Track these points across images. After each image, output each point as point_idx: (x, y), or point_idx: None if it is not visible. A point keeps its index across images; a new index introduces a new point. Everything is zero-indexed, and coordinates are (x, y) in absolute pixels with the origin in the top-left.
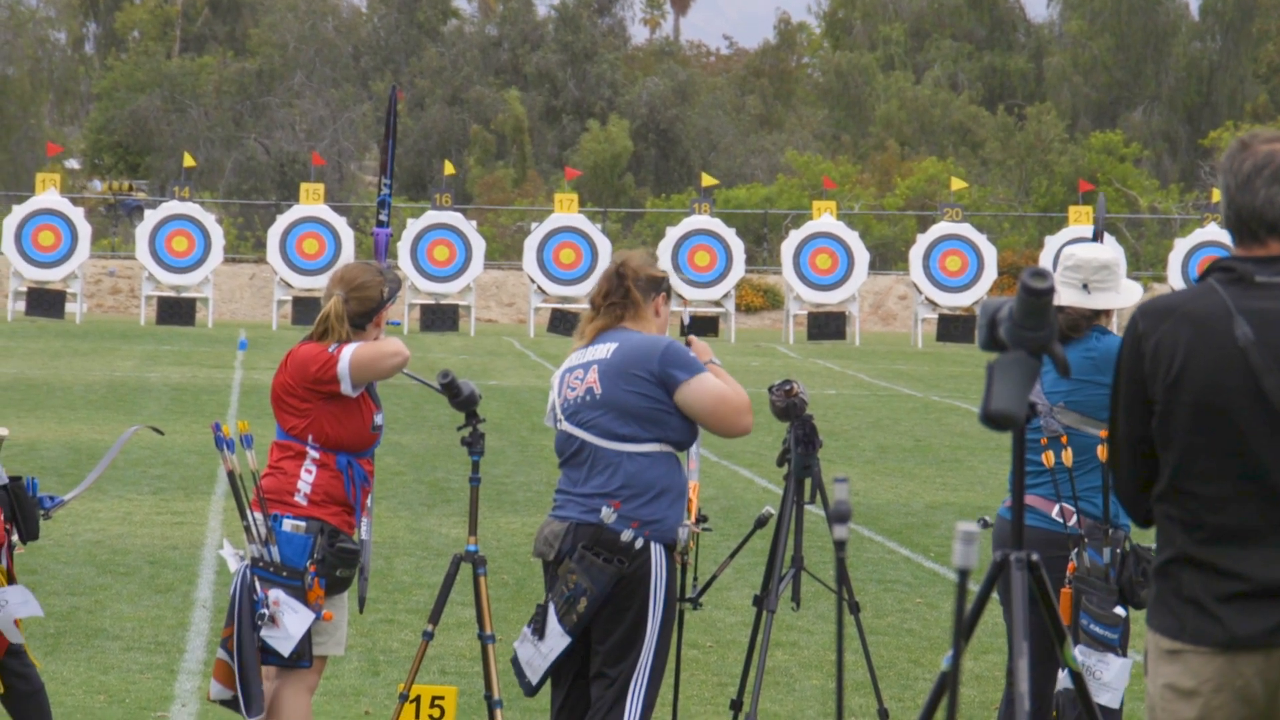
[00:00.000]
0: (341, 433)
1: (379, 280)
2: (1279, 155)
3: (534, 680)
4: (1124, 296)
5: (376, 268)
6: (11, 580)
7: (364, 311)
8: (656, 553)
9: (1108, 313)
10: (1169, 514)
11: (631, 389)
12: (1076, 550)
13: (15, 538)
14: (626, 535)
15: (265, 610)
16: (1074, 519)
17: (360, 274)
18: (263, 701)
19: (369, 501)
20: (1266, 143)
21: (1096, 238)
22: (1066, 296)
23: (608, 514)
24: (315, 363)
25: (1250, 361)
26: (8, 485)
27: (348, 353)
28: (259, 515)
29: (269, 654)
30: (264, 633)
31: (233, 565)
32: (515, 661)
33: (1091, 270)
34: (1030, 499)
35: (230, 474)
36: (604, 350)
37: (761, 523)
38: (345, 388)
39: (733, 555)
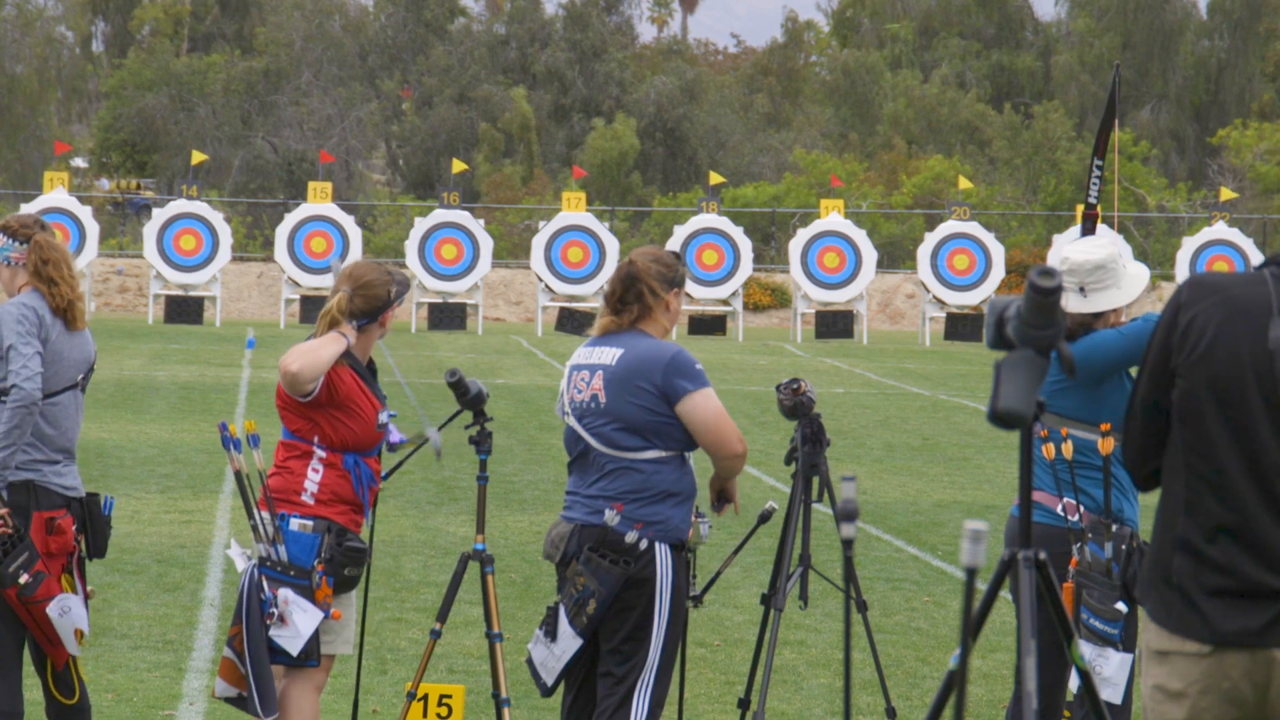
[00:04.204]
0: (346, 434)
1: (387, 279)
2: None
3: (549, 681)
4: (1125, 292)
5: (385, 268)
6: (84, 592)
7: (370, 310)
8: (662, 553)
9: (1116, 312)
10: (1174, 490)
11: (635, 401)
12: (1079, 545)
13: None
14: (630, 537)
15: (274, 609)
16: (1076, 514)
17: (368, 272)
18: (275, 701)
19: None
20: None
21: (1086, 230)
22: (1064, 303)
23: (610, 516)
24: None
25: (1275, 365)
26: (84, 499)
27: (286, 359)
28: (266, 514)
29: (277, 653)
30: (273, 632)
31: (240, 565)
32: (530, 663)
33: (1086, 272)
34: (1035, 495)
35: (237, 473)
36: (610, 355)
37: (765, 518)
38: (310, 389)
39: (736, 551)
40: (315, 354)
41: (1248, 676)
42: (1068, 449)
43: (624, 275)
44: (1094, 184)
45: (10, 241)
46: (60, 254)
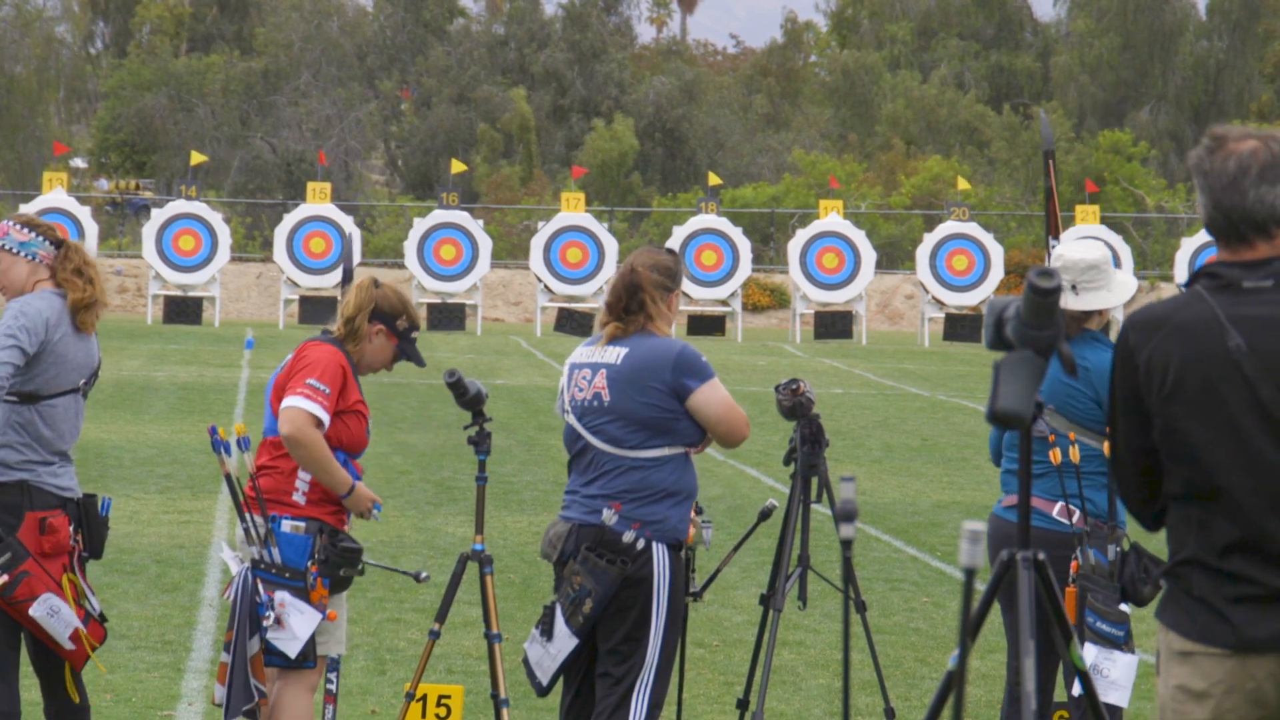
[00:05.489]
0: (344, 433)
1: (409, 307)
2: (1261, 153)
3: (544, 681)
4: (1115, 295)
5: (413, 307)
6: (89, 589)
7: (376, 309)
8: (659, 553)
9: (1100, 313)
10: (1185, 516)
11: (644, 399)
12: (1080, 548)
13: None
14: (628, 536)
15: (271, 612)
16: (1076, 517)
17: (400, 290)
18: (242, 705)
19: None
20: (1241, 140)
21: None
22: None
23: (608, 516)
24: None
25: (1245, 372)
26: (80, 500)
27: (287, 412)
28: (258, 517)
29: (273, 655)
30: (270, 634)
31: (234, 568)
32: (526, 662)
33: (1079, 271)
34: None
35: (228, 477)
36: (613, 354)
37: (765, 515)
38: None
39: (735, 549)
40: (322, 460)
41: (1272, 677)
42: (1074, 453)
43: (627, 285)
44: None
45: (39, 238)
46: (92, 263)
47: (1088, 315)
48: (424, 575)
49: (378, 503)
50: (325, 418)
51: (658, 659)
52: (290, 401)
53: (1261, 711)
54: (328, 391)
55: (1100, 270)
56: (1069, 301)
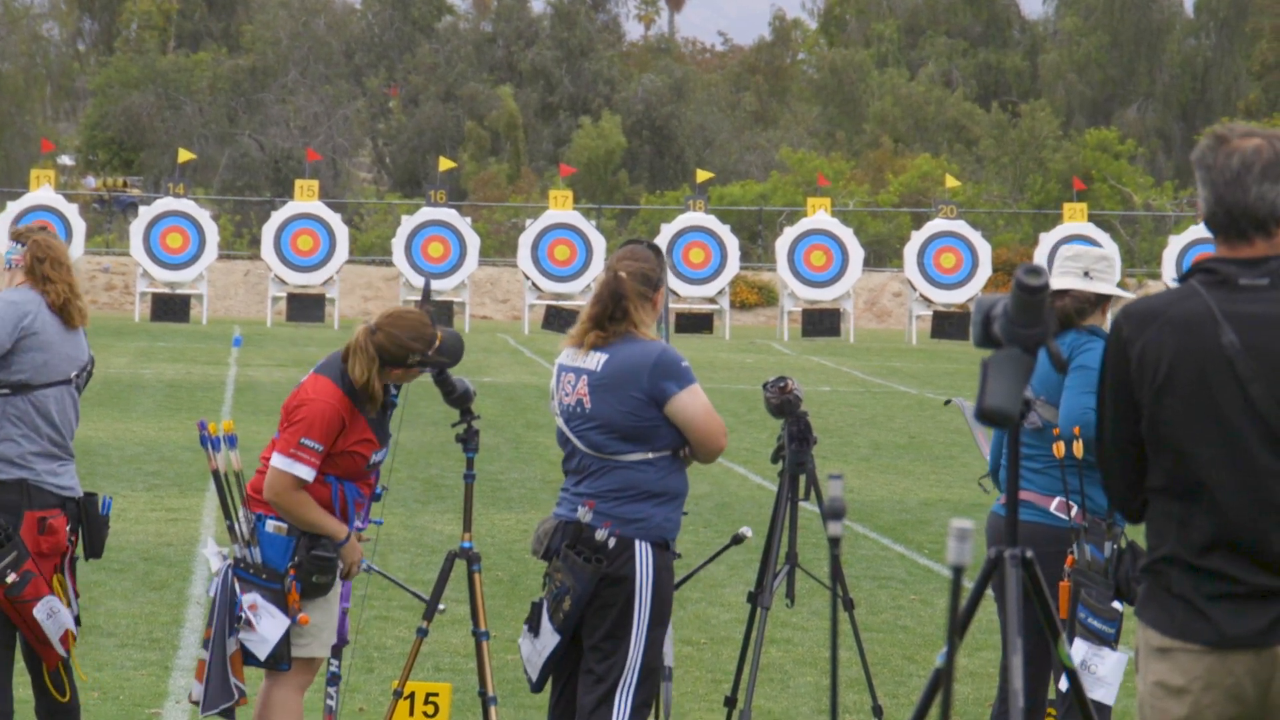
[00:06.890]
0: (331, 467)
1: (410, 343)
2: (1265, 151)
3: (534, 677)
4: (1116, 290)
5: (430, 332)
6: (74, 592)
7: (391, 354)
8: (642, 551)
9: (1107, 303)
10: (1167, 511)
11: (622, 408)
12: (1076, 544)
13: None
14: (600, 534)
15: (242, 614)
16: (1073, 512)
17: (408, 314)
18: (219, 702)
19: (363, 512)
20: (1245, 138)
21: None
22: (1068, 283)
23: (583, 513)
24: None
25: (1237, 369)
26: (80, 499)
27: (270, 475)
28: (243, 511)
29: (250, 656)
30: (242, 635)
31: (215, 565)
32: (523, 658)
33: (1092, 259)
34: (1027, 494)
35: (215, 472)
36: (595, 360)
37: (737, 540)
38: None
39: (709, 561)
40: (307, 520)
41: (1251, 674)
42: (1078, 448)
43: (612, 293)
44: None
45: (15, 245)
46: (55, 253)
47: (1097, 303)
48: (437, 613)
49: (366, 561)
50: (310, 475)
51: (641, 659)
52: (277, 463)
53: (1239, 708)
54: (320, 449)
55: (1110, 263)
56: (1082, 284)
